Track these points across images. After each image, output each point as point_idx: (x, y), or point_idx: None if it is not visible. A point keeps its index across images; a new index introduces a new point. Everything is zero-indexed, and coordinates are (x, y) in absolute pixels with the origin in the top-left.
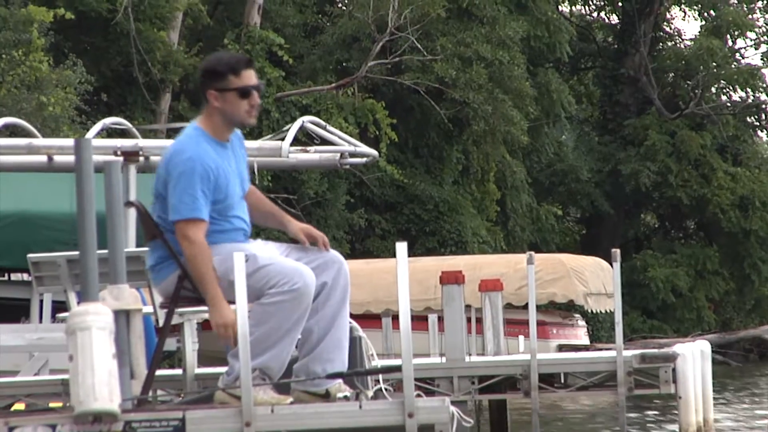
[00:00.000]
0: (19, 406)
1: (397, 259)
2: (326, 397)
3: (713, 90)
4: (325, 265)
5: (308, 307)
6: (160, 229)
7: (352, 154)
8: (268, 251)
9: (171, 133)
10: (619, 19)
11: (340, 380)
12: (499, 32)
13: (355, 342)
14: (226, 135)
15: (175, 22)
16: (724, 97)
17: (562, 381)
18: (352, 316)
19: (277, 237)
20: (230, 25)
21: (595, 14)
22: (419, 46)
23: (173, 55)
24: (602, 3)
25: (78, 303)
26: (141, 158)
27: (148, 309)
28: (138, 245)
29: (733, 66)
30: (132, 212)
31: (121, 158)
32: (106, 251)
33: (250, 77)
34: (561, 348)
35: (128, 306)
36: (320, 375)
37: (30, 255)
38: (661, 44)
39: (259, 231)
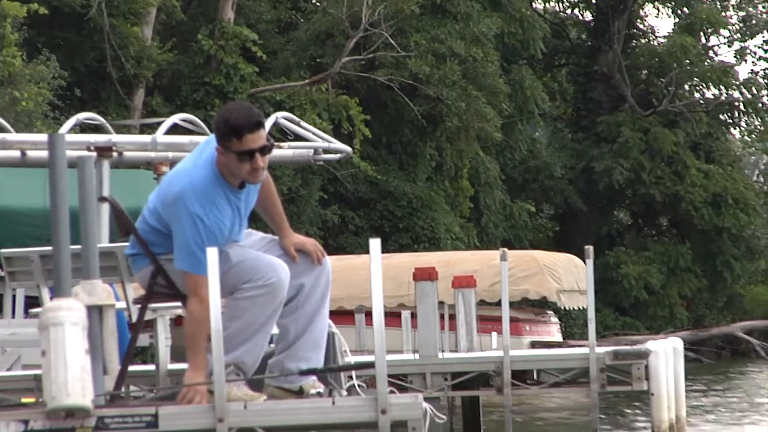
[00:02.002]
0: None
1: (370, 255)
2: (300, 393)
3: (686, 87)
4: (306, 267)
5: (282, 302)
6: (132, 223)
7: (326, 150)
8: (248, 243)
9: (144, 129)
10: (593, 16)
11: (314, 377)
12: (473, 29)
13: (328, 338)
14: (236, 182)
15: (148, 17)
16: (697, 95)
17: (535, 377)
18: None
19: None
20: (204, 21)
21: (568, 11)
22: (393, 42)
23: (147, 51)
24: (576, 0)
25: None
26: (114, 154)
27: (121, 305)
28: (111, 241)
29: (706, 63)
30: (105, 207)
31: (94, 154)
32: (79, 247)
33: (252, 141)
34: (534, 345)
35: (101, 302)
36: (294, 372)
37: (2, 250)
38: (634, 41)
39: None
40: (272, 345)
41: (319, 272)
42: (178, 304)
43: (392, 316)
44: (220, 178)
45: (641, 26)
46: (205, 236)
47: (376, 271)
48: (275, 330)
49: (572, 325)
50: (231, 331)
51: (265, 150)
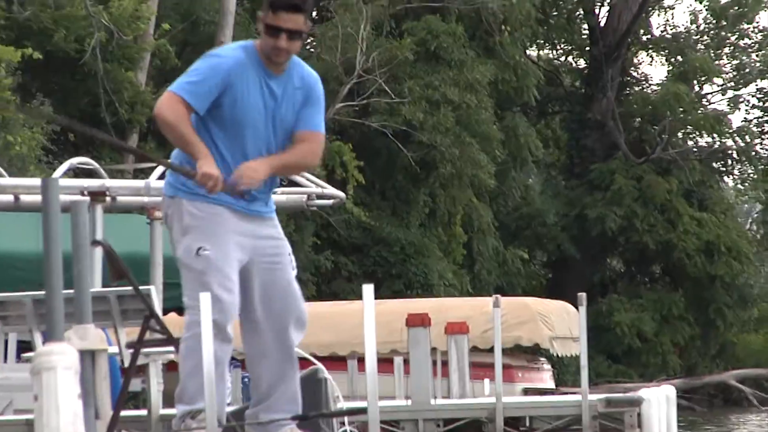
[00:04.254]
0: None
1: (363, 301)
2: None
3: (680, 135)
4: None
5: (226, 339)
6: (125, 267)
7: (319, 196)
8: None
9: (138, 174)
10: (586, 63)
11: (293, 424)
12: (467, 75)
13: (320, 384)
14: (272, 65)
15: (142, 63)
16: (690, 143)
17: (528, 424)
18: (317, 357)
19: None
20: None
21: (562, 59)
22: (387, 88)
23: (140, 96)
24: (570, 48)
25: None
26: (108, 198)
27: (114, 349)
28: (104, 285)
29: (699, 111)
30: (98, 252)
31: (87, 198)
32: (71, 291)
33: (284, 20)
34: (526, 391)
35: (94, 346)
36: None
37: None
38: (628, 89)
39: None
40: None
41: (281, 328)
42: (171, 349)
43: (385, 362)
44: (256, 54)
45: (635, 74)
46: (207, 67)
47: (369, 316)
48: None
49: (565, 372)
50: (187, 372)
51: (294, 34)
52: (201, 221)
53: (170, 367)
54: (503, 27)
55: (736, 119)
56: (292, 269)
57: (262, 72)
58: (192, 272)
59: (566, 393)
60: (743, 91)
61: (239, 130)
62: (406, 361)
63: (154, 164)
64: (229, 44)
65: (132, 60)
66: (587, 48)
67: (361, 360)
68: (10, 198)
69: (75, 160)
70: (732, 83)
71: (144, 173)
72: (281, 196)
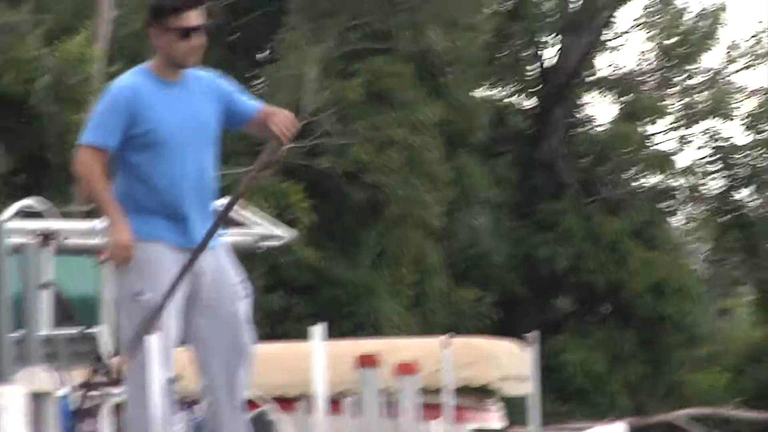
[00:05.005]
0: None
1: (313, 341)
2: None
3: (628, 175)
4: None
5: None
6: (73, 309)
7: (269, 237)
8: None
9: (87, 216)
10: (534, 103)
11: None
12: (415, 116)
13: (269, 426)
14: (171, 74)
15: (89, 104)
16: (638, 182)
17: None
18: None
19: None
20: None
21: (510, 99)
22: (335, 129)
23: None
24: (518, 87)
25: None
26: (56, 240)
27: (62, 391)
28: (53, 328)
29: (647, 151)
30: (47, 294)
31: (36, 240)
32: (21, 333)
33: (191, 18)
34: None
35: (43, 388)
36: None
37: None
38: (576, 129)
39: None
40: None
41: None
42: (119, 390)
43: (334, 403)
44: (146, 71)
45: (583, 114)
46: (109, 104)
47: (319, 357)
48: None
49: (515, 412)
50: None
51: (202, 29)
52: (140, 262)
53: (121, 410)
54: (451, 67)
55: (684, 159)
56: (239, 300)
57: (162, 87)
58: (131, 316)
59: None
60: (690, 130)
61: (163, 151)
62: (356, 402)
63: None
64: (121, 76)
65: (79, 102)
66: (535, 88)
67: (311, 401)
68: None
69: (24, 202)
70: (679, 122)
71: (93, 215)
72: (230, 237)
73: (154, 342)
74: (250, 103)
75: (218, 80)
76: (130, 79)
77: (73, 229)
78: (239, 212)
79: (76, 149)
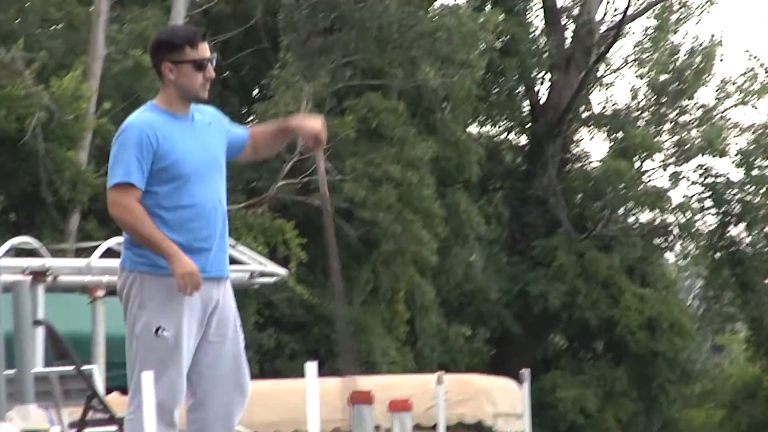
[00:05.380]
0: None
1: (306, 379)
2: None
3: (621, 211)
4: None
5: (171, 424)
6: (68, 347)
7: (262, 274)
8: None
9: (80, 253)
10: (527, 140)
11: None
12: (408, 153)
13: None
14: (182, 109)
15: (84, 141)
16: (631, 219)
17: None
18: None
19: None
20: None
21: (503, 135)
22: (329, 166)
23: (82, 175)
24: (511, 124)
25: None
26: (49, 278)
27: (56, 430)
28: (46, 365)
29: (640, 187)
30: (40, 331)
31: (29, 278)
32: (14, 371)
33: (205, 50)
34: None
35: (35, 426)
36: None
37: None
38: (569, 165)
39: None
40: None
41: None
42: (114, 428)
43: None
44: (157, 108)
45: (576, 150)
46: (133, 144)
47: (312, 394)
48: None
49: None
50: None
51: (212, 61)
52: (160, 297)
53: None
54: (444, 104)
55: (677, 195)
56: (240, 338)
57: (175, 122)
58: (149, 352)
59: None
60: (684, 167)
61: (185, 184)
62: None
63: (95, 244)
64: (133, 113)
65: (73, 139)
66: (528, 125)
67: None
68: None
69: (16, 240)
70: (673, 159)
71: (86, 252)
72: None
73: (148, 379)
74: (240, 131)
75: (219, 114)
76: (144, 116)
77: (66, 266)
78: (233, 249)
79: (109, 193)
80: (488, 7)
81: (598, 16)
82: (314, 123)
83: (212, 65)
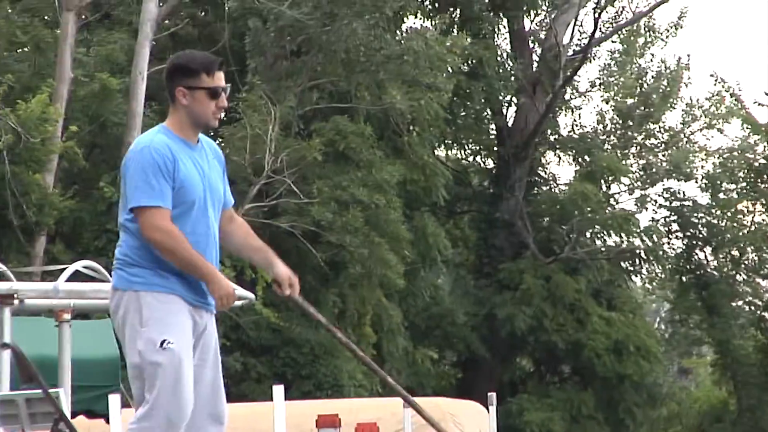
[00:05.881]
0: None
1: (273, 402)
2: None
3: (588, 235)
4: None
5: None
6: (35, 370)
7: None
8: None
9: (46, 276)
10: (494, 163)
11: None
12: (376, 176)
13: None
14: (192, 135)
15: (50, 165)
16: (598, 242)
17: None
18: None
19: None
20: (106, 168)
21: (470, 159)
22: (296, 189)
23: (48, 198)
24: (478, 148)
25: None
26: (16, 301)
27: None
28: (13, 388)
29: (607, 211)
30: (6, 355)
31: None
32: None
33: (220, 78)
34: None
35: None
36: None
37: None
38: (536, 189)
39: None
40: None
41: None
42: None
43: None
44: (169, 131)
45: (543, 174)
46: (154, 165)
47: (279, 418)
48: None
49: None
50: None
51: (227, 91)
52: (161, 312)
53: None
54: (411, 127)
55: (644, 219)
56: (219, 365)
57: (185, 147)
58: (157, 366)
59: None
60: (650, 190)
61: (188, 210)
62: None
63: (62, 267)
64: (145, 134)
65: (39, 162)
66: (495, 148)
67: None
68: None
69: None
70: (639, 183)
71: (52, 276)
72: None
73: (115, 402)
74: (228, 197)
75: (222, 158)
76: (160, 137)
77: (32, 289)
78: None
79: (141, 214)
80: (455, 31)
81: (564, 40)
82: (289, 274)
83: (226, 94)
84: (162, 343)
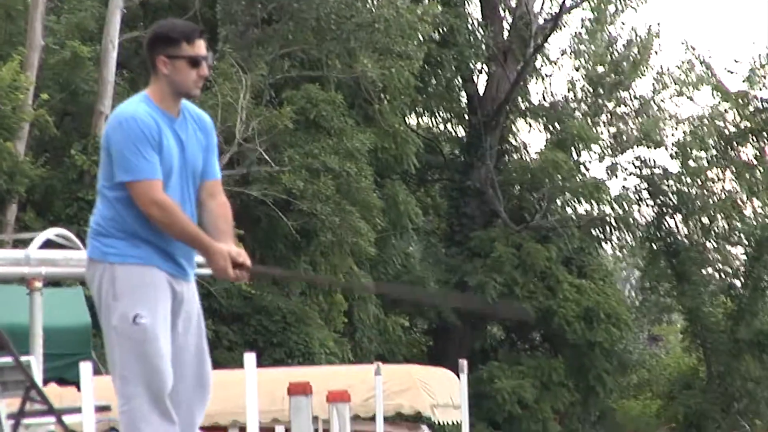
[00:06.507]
0: None
1: (245, 370)
2: None
3: (558, 203)
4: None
5: (165, 413)
6: (6, 338)
7: (200, 265)
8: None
9: (17, 244)
10: (465, 131)
11: None
12: (347, 144)
13: None
14: (172, 106)
15: (21, 132)
16: (569, 210)
17: None
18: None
19: None
20: (77, 136)
21: (441, 127)
22: (267, 157)
23: (19, 166)
24: (449, 116)
25: None
26: None
27: None
28: None
29: (578, 179)
30: None
31: None
32: None
33: (201, 47)
34: None
35: None
36: None
37: None
38: (507, 157)
39: None
40: None
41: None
42: (52, 419)
43: (266, 431)
44: (150, 100)
45: (514, 142)
46: (141, 135)
47: (251, 386)
48: None
49: None
50: None
51: (208, 60)
52: (134, 286)
53: None
54: (382, 95)
55: (614, 186)
56: (203, 333)
57: (165, 119)
58: (129, 341)
59: None
60: (621, 158)
61: (166, 182)
62: (287, 430)
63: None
64: (128, 102)
65: (11, 130)
66: (466, 116)
67: (242, 429)
68: None
69: None
70: (609, 150)
71: (24, 244)
72: None
73: (86, 370)
74: (214, 169)
75: (211, 129)
76: (142, 107)
77: (3, 257)
78: None
79: (136, 187)
80: None
81: (535, 8)
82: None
83: (207, 63)
84: (135, 318)
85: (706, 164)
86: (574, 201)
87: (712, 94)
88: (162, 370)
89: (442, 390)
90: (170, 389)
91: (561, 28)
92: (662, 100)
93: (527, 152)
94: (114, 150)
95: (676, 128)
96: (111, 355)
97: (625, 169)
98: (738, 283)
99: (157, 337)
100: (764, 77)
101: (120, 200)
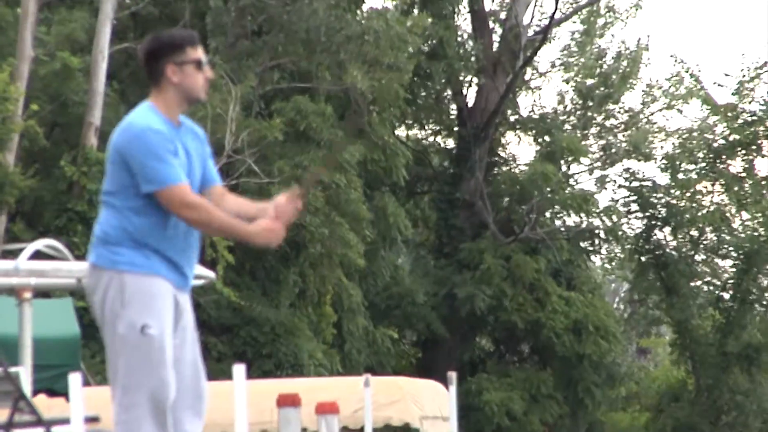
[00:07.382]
0: None
1: (234, 381)
2: None
3: (548, 215)
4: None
5: (164, 426)
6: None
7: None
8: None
9: (7, 255)
10: (455, 144)
11: None
12: (336, 156)
13: None
14: (176, 116)
15: (11, 143)
16: (558, 222)
17: None
18: None
19: None
20: (67, 147)
21: (431, 139)
22: (256, 168)
23: (9, 177)
24: (438, 128)
25: None
26: None
27: None
28: None
29: (567, 191)
30: None
31: None
32: None
33: (201, 51)
34: None
35: None
36: None
37: None
38: (496, 169)
39: None
40: None
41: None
42: (41, 430)
43: None
44: (159, 114)
45: (503, 154)
46: (161, 143)
47: (240, 397)
48: None
49: None
50: None
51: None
52: (143, 295)
53: None
54: (372, 107)
55: (603, 199)
56: (197, 344)
57: (172, 128)
58: (135, 350)
59: None
60: (610, 170)
61: None
62: None
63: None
64: (136, 113)
65: (0, 141)
66: (455, 128)
67: None
68: None
69: None
70: (599, 163)
71: (13, 254)
72: None
73: (75, 381)
74: (213, 174)
75: (205, 139)
76: (154, 118)
77: None
78: None
79: (167, 193)
80: (416, 11)
81: (525, 20)
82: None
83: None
84: (142, 328)
85: (695, 177)
86: (563, 213)
87: (701, 107)
88: (167, 381)
89: (431, 402)
90: (170, 403)
91: (550, 41)
92: (651, 113)
93: (516, 164)
94: (134, 163)
95: (665, 141)
96: (113, 363)
97: (614, 182)
98: (726, 296)
99: (163, 348)
100: (752, 90)
101: (132, 209)
